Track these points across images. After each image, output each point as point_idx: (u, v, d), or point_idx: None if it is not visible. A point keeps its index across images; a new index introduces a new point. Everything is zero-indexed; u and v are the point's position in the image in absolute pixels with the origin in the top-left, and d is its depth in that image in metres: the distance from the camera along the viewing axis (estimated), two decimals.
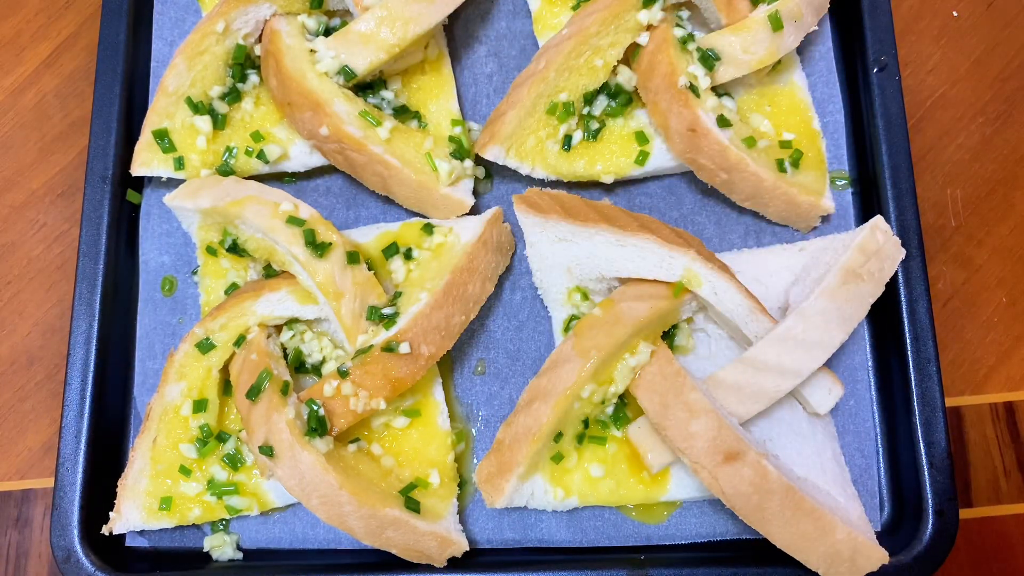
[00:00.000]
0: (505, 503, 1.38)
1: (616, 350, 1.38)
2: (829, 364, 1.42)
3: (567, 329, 1.47)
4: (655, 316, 1.40)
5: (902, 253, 1.44)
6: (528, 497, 1.41)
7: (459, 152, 1.55)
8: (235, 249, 1.50)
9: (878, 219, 1.44)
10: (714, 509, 1.46)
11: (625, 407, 1.45)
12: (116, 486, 1.44)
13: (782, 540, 1.33)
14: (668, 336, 1.47)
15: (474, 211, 1.55)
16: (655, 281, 1.43)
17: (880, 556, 1.33)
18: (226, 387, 1.48)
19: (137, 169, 1.55)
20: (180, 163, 1.54)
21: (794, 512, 1.31)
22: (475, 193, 1.57)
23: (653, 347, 1.41)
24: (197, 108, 1.54)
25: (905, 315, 1.46)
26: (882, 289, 1.42)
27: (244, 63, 1.57)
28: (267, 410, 1.35)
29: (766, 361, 1.37)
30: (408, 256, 1.51)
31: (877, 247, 1.41)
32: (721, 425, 1.33)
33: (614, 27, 1.51)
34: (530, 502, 1.41)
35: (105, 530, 1.42)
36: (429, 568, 1.40)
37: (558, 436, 1.39)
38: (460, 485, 1.48)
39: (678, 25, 1.55)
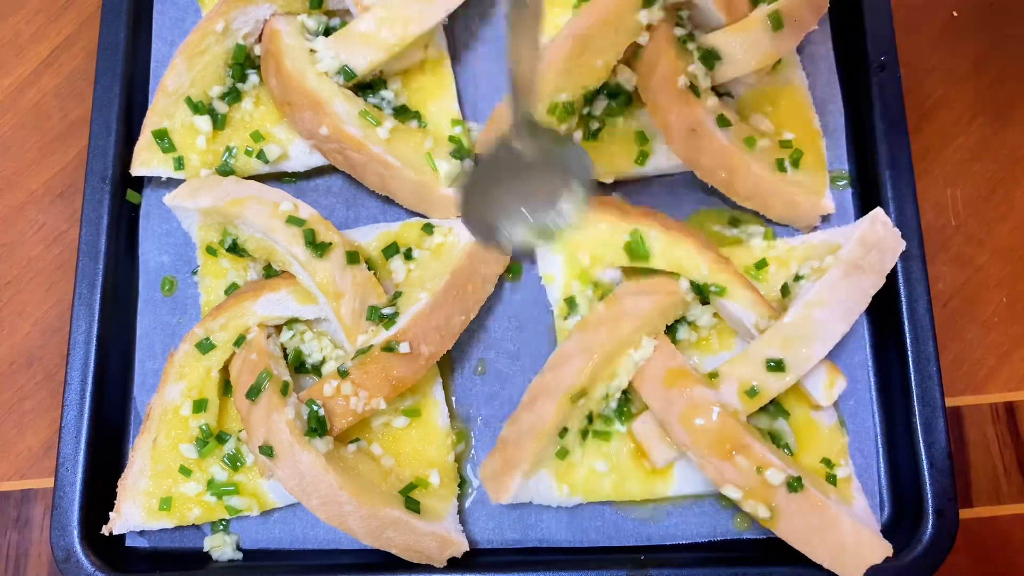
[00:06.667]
0: (510, 500, 1.38)
1: (620, 345, 1.38)
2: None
3: (566, 318, 1.47)
4: (658, 311, 1.41)
5: (902, 244, 1.44)
6: (533, 494, 1.41)
7: (459, 152, 1.55)
8: (235, 249, 1.50)
9: (878, 211, 1.44)
10: (715, 509, 1.46)
11: (629, 402, 1.45)
12: (116, 486, 1.44)
13: (787, 533, 1.33)
14: (671, 330, 1.47)
15: None
16: (658, 276, 1.43)
17: (884, 549, 1.34)
18: (226, 387, 1.48)
19: (137, 169, 1.55)
20: (180, 163, 1.54)
21: (799, 505, 1.31)
22: None
23: (656, 341, 1.41)
24: (197, 108, 1.54)
25: (905, 315, 1.46)
26: (883, 281, 1.42)
27: (244, 63, 1.57)
28: (267, 410, 1.35)
29: (769, 354, 1.37)
30: (408, 256, 1.51)
31: (878, 239, 1.41)
32: (725, 419, 1.33)
33: (614, 27, 1.51)
34: (535, 498, 1.41)
35: (105, 530, 1.42)
36: (429, 568, 1.40)
37: (562, 432, 1.40)
38: (460, 485, 1.48)
39: (678, 25, 1.55)
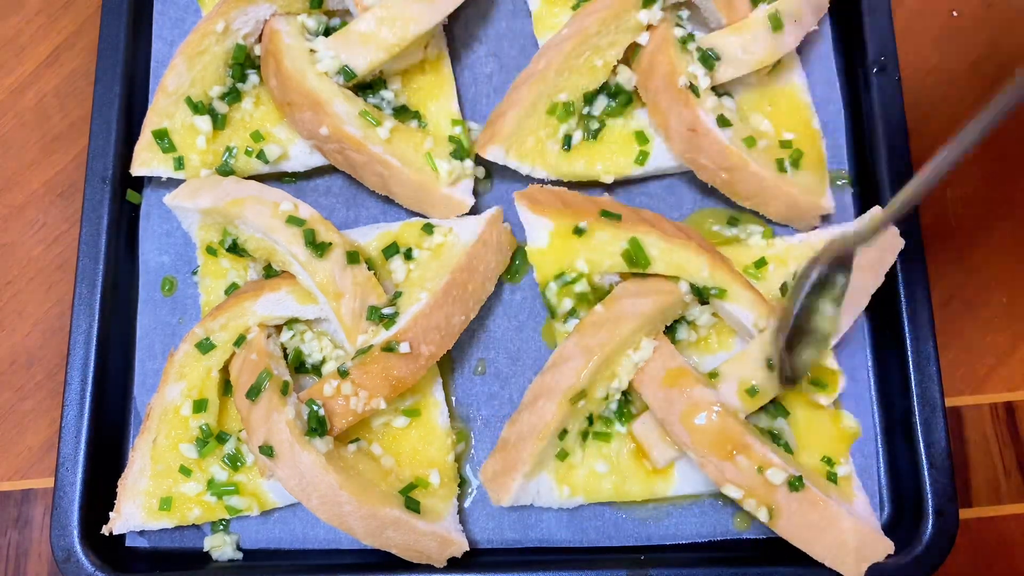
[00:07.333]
0: (511, 501, 1.38)
1: (619, 346, 1.38)
2: None
3: (565, 321, 1.47)
4: (657, 311, 1.41)
5: (901, 243, 1.44)
6: (534, 495, 1.41)
7: (459, 152, 1.55)
8: (235, 249, 1.50)
9: (876, 209, 1.44)
10: (714, 509, 1.46)
11: (629, 403, 1.45)
12: (116, 486, 1.44)
13: (788, 531, 1.33)
14: (670, 331, 1.47)
15: (474, 211, 1.55)
16: (657, 276, 1.43)
17: (885, 547, 1.34)
18: (226, 387, 1.48)
19: (137, 169, 1.55)
20: (180, 163, 1.54)
21: (800, 503, 1.32)
22: (475, 193, 1.57)
23: (656, 342, 1.41)
24: (197, 108, 1.54)
25: (905, 315, 1.46)
26: (882, 279, 1.42)
27: (244, 63, 1.57)
28: (267, 410, 1.35)
29: (769, 354, 1.37)
30: (408, 256, 1.51)
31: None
32: (725, 418, 1.34)
33: (614, 27, 1.51)
34: (536, 500, 1.41)
35: (105, 530, 1.42)
36: (429, 568, 1.40)
37: (562, 434, 1.40)
38: (460, 485, 1.48)
39: (678, 25, 1.55)
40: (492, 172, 1.63)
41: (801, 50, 1.61)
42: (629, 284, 1.45)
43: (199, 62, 1.54)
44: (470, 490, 1.49)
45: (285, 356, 1.48)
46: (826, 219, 1.56)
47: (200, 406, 1.44)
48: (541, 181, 1.57)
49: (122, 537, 1.49)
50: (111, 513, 1.43)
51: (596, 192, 1.60)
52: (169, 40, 1.67)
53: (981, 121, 1.12)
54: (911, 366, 1.44)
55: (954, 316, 1.63)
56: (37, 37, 1.81)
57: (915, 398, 1.43)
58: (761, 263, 1.48)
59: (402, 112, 1.59)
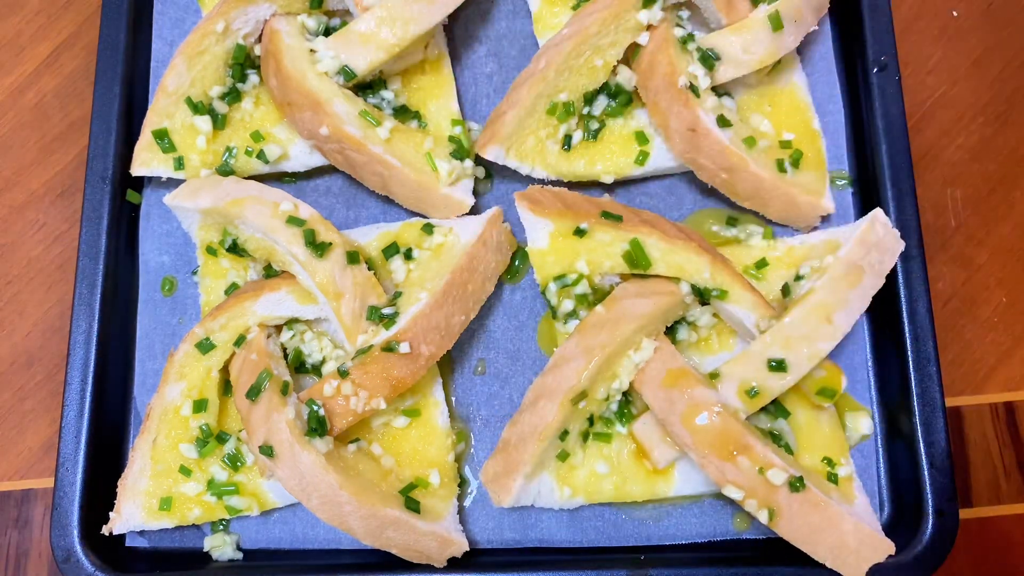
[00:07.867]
0: (512, 502, 1.38)
1: (620, 347, 1.38)
2: None
3: (566, 322, 1.47)
4: (658, 312, 1.41)
5: (901, 245, 1.44)
6: (535, 496, 1.41)
7: (459, 152, 1.55)
8: (235, 249, 1.50)
9: (877, 212, 1.44)
10: (714, 509, 1.46)
11: (630, 404, 1.45)
12: (116, 486, 1.44)
13: (789, 532, 1.33)
14: (671, 331, 1.47)
15: (474, 211, 1.55)
16: (657, 277, 1.43)
17: (886, 547, 1.34)
18: (226, 387, 1.48)
19: (137, 169, 1.55)
20: (180, 163, 1.54)
21: (801, 504, 1.32)
22: (475, 193, 1.57)
23: (656, 343, 1.41)
24: (197, 108, 1.54)
25: (905, 315, 1.46)
26: (882, 281, 1.42)
27: (244, 63, 1.57)
28: (267, 410, 1.35)
29: (770, 355, 1.37)
30: (408, 256, 1.51)
31: (877, 239, 1.42)
32: (726, 419, 1.34)
33: (614, 27, 1.51)
34: (537, 500, 1.41)
35: (105, 530, 1.42)
36: (429, 568, 1.40)
37: (563, 434, 1.40)
38: (460, 485, 1.48)
39: (678, 25, 1.55)
40: (492, 172, 1.63)
41: (801, 50, 1.61)
42: (630, 285, 1.45)
43: (199, 62, 1.54)
44: (470, 490, 1.49)
45: (285, 356, 1.48)
46: (826, 219, 1.56)
47: (200, 406, 1.44)
48: (541, 181, 1.57)
49: (122, 537, 1.49)
50: (111, 513, 1.43)
51: (596, 192, 1.60)
52: (169, 40, 1.67)
53: None
54: (911, 366, 1.44)
55: (954, 316, 1.63)
56: (37, 37, 1.81)
57: (915, 398, 1.43)
58: (762, 264, 1.48)
59: (402, 112, 1.59)
